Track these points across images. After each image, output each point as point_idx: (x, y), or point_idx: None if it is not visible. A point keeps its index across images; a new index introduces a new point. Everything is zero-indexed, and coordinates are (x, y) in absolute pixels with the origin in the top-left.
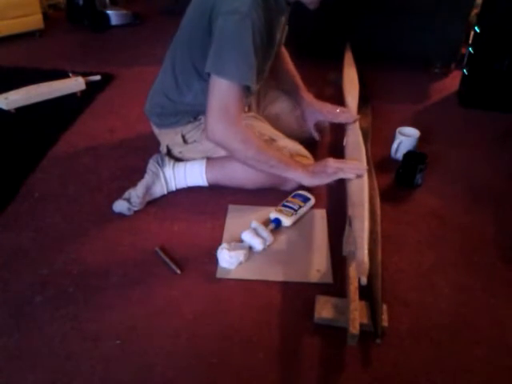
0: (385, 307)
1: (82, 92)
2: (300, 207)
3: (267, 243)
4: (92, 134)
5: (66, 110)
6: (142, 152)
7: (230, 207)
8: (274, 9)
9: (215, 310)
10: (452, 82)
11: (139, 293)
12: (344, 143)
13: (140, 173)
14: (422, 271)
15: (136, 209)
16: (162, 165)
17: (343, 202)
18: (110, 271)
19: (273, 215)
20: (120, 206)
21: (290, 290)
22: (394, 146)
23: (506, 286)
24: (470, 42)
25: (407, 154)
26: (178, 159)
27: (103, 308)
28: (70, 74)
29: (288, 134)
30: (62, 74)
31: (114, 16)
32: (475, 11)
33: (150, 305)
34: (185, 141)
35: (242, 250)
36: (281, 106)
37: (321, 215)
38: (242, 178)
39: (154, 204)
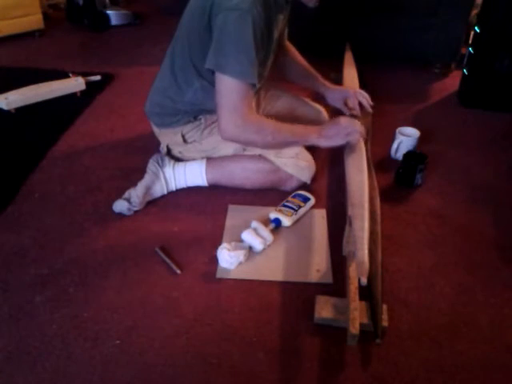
0: (385, 307)
1: (82, 92)
2: (300, 207)
3: (267, 243)
4: (92, 134)
5: (66, 110)
6: (141, 152)
7: (230, 207)
8: (273, 6)
9: (215, 310)
10: (452, 82)
11: (139, 293)
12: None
13: (140, 173)
14: (422, 271)
15: (136, 209)
16: (161, 165)
17: (343, 202)
18: (110, 271)
19: (273, 215)
20: (120, 205)
21: (290, 290)
22: (394, 146)
23: (506, 286)
24: (470, 42)
25: (407, 154)
26: (177, 159)
27: (103, 308)
28: (70, 74)
29: None
30: (62, 74)
31: (114, 16)
32: (475, 11)
33: (149, 305)
34: (185, 140)
35: (242, 249)
36: (281, 105)
37: (321, 215)
38: (242, 178)
39: (154, 204)
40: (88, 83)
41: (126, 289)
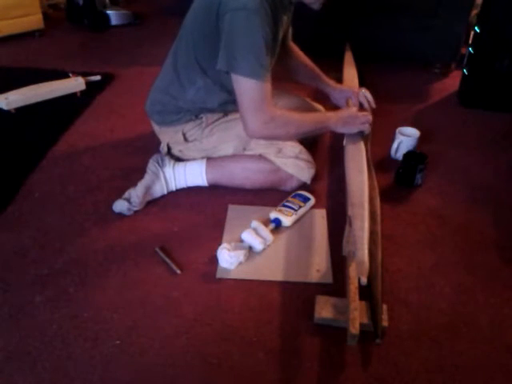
0: (385, 307)
1: (82, 92)
2: (300, 207)
3: (267, 243)
4: (92, 134)
5: (66, 110)
6: (141, 152)
7: (230, 207)
8: (279, 7)
9: (215, 310)
10: (452, 82)
11: (139, 293)
12: (344, 143)
13: (140, 173)
14: (422, 271)
15: (136, 209)
16: (162, 165)
17: (343, 202)
18: (110, 271)
19: (273, 215)
20: (120, 205)
21: (290, 290)
22: (394, 146)
23: (506, 286)
24: (470, 41)
25: (407, 154)
26: (177, 158)
27: (103, 308)
28: (70, 74)
29: None
30: (62, 74)
31: (114, 16)
32: (475, 11)
33: (149, 305)
34: (185, 139)
35: (242, 250)
36: (282, 105)
37: (321, 215)
38: (242, 178)
39: (154, 204)
40: (88, 83)
41: (126, 289)
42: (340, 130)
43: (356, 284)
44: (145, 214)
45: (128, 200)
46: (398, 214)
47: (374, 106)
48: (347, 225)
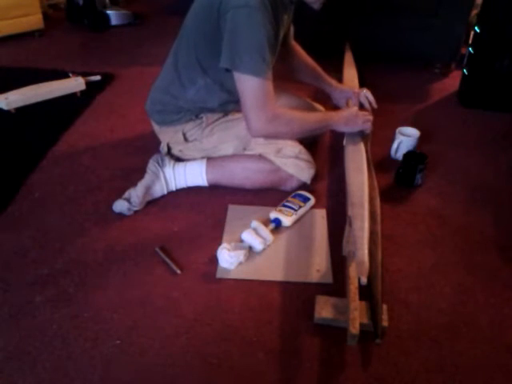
0: (385, 307)
1: (82, 92)
2: (300, 207)
3: (267, 243)
4: (92, 133)
5: (66, 110)
6: (141, 152)
7: (230, 207)
8: (280, 6)
9: (215, 310)
10: (452, 82)
11: (139, 293)
12: (344, 143)
13: (140, 173)
14: (422, 271)
15: (136, 209)
16: (162, 165)
17: (343, 202)
18: (110, 271)
19: (273, 215)
20: (120, 205)
21: (290, 290)
22: (394, 146)
23: (506, 286)
24: (470, 41)
25: (407, 154)
26: (177, 158)
27: (103, 308)
28: (70, 74)
29: None
30: (62, 74)
31: (114, 16)
32: (475, 11)
33: (149, 305)
34: (185, 139)
35: (242, 250)
36: (281, 104)
37: (321, 215)
38: (242, 178)
39: (154, 204)
40: (88, 83)
41: (126, 289)
42: (342, 128)
43: (356, 284)
44: (145, 214)
45: (128, 200)
46: (398, 214)
47: (375, 106)
48: (347, 225)
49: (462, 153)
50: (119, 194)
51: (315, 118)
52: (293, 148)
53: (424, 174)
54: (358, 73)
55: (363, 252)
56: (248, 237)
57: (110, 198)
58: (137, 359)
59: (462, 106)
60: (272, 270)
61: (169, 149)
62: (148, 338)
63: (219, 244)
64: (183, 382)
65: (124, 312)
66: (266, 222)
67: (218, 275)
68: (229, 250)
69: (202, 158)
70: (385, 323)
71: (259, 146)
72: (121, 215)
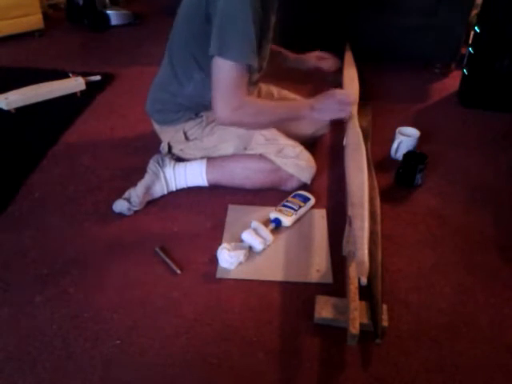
0: (385, 307)
1: (82, 92)
2: (300, 207)
3: (267, 243)
4: (92, 133)
5: (66, 109)
6: (141, 152)
7: (230, 207)
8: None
9: (215, 310)
10: (452, 82)
11: (139, 293)
12: (344, 143)
13: (140, 173)
14: (422, 271)
15: (136, 209)
16: (162, 165)
17: (343, 202)
18: (110, 271)
19: (273, 215)
20: (120, 205)
21: (290, 290)
22: (394, 146)
23: (506, 286)
24: (470, 41)
25: (407, 154)
26: (178, 158)
27: (103, 308)
28: (70, 74)
29: (287, 133)
30: (62, 74)
31: (114, 16)
32: (475, 11)
33: (149, 305)
34: (186, 138)
35: (242, 249)
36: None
37: (321, 215)
38: (242, 178)
39: (154, 204)
40: (88, 83)
41: (126, 289)
42: (316, 117)
43: (356, 284)
44: (145, 214)
45: (128, 200)
46: (398, 214)
47: (333, 67)
48: (347, 225)
49: (461, 153)
50: (119, 194)
51: (285, 108)
52: (293, 148)
53: (424, 174)
54: (358, 73)
55: (363, 252)
56: (248, 237)
57: (110, 198)
58: (137, 359)
59: (462, 105)
60: (272, 269)
61: (169, 148)
62: (148, 338)
63: (219, 244)
64: (183, 382)
65: (124, 312)
66: (266, 222)
67: (218, 275)
68: (229, 250)
69: (203, 157)
70: (385, 323)
71: (260, 146)
72: (121, 215)
